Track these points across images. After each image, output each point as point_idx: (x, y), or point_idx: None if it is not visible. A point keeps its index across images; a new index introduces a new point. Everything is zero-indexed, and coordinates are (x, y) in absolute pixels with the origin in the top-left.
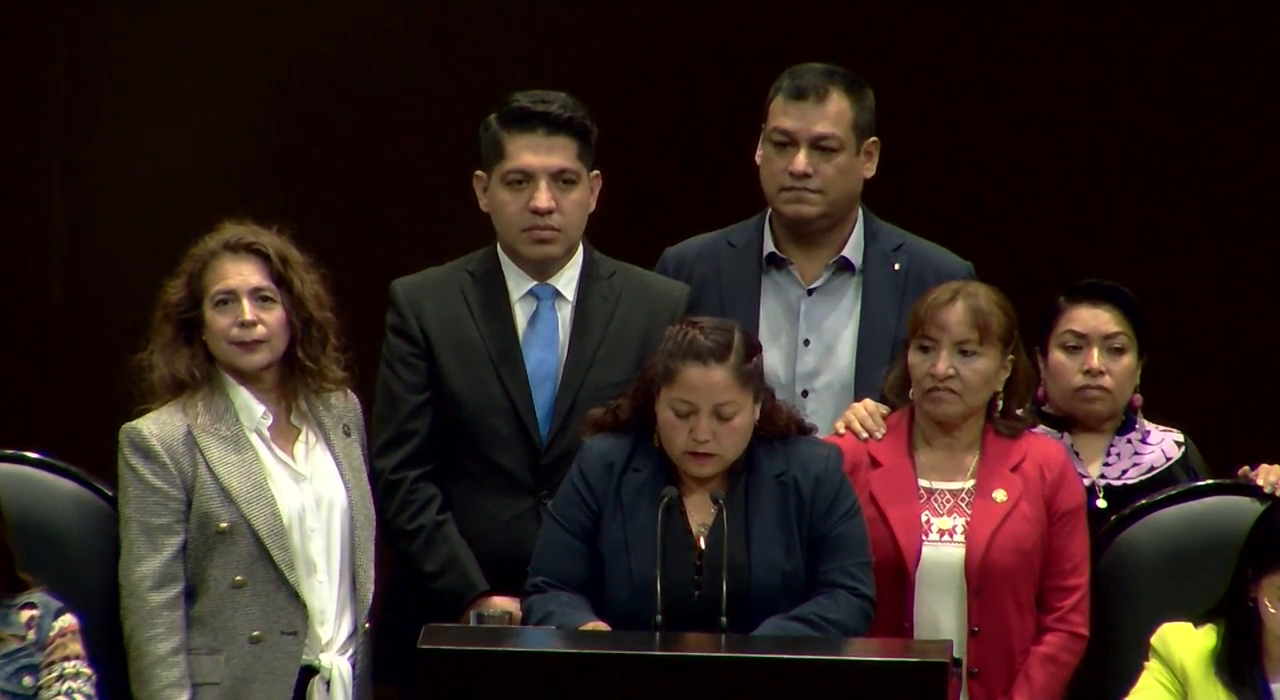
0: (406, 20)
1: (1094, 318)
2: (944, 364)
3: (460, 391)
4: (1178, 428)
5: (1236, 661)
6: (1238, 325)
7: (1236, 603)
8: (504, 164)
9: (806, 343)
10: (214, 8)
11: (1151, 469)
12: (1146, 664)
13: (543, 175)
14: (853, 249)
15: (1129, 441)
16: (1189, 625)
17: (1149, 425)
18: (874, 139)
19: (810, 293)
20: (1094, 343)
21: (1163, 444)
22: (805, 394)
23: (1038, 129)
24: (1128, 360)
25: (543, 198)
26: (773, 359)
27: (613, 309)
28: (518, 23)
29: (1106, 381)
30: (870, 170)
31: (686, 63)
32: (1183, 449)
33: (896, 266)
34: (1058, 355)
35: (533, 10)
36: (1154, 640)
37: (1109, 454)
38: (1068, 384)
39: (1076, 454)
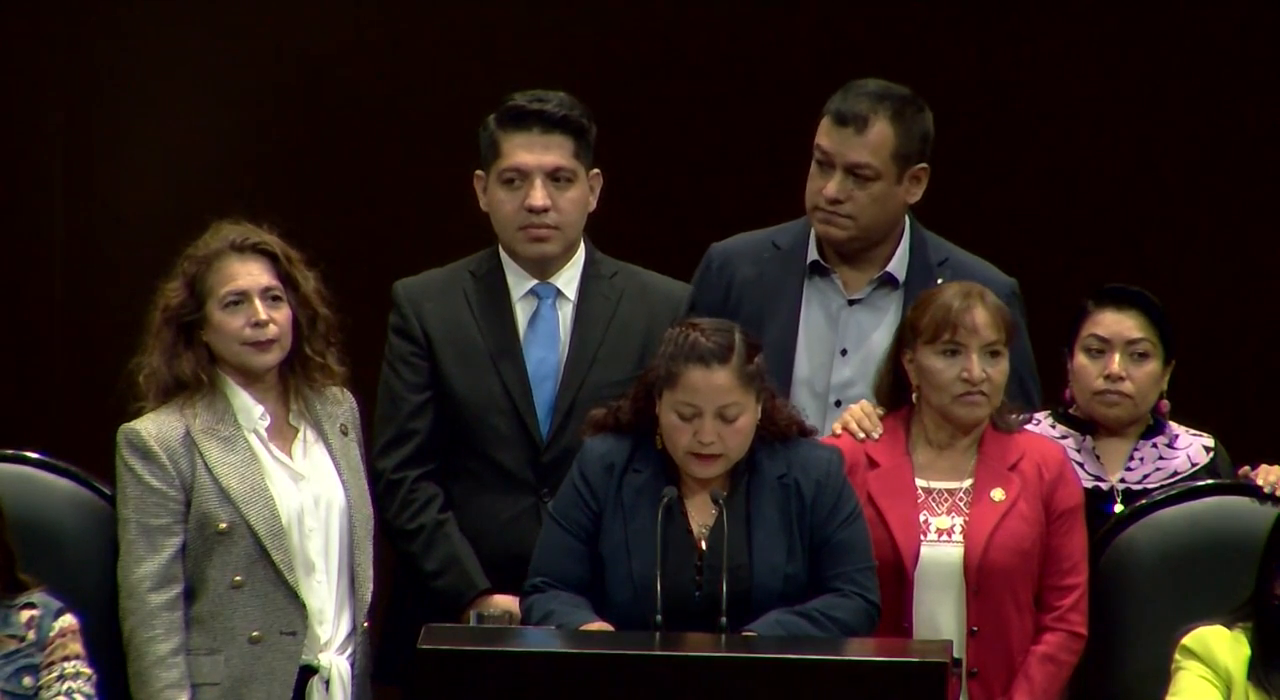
0: (408, 20)
1: (1118, 323)
2: (978, 367)
3: (461, 390)
4: (1208, 431)
5: (1264, 662)
6: (1261, 327)
7: (1261, 602)
8: (500, 163)
9: (844, 352)
10: (214, 8)
11: (1175, 474)
12: (1183, 663)
13: (537, 174)
14: (898, 264)
15: (1154, 446)
16: (1223, 629)
17: (1178, 429)
18: (922, 165)
19: (851, 303)
20: (1116, 348)
21: (1190, 449)
22: (839, 403)
23: (1057, 131)
24: (1150, 367)
25: (537, 196)
26: (809, 366)
27: (614, 308)
28: (520, 22)
29: (1126, 387)
30: (915, 196)
31: (702, 62)
32: (1211, 454)
33: (940, 281)
34: (1081, 358)
35: (536, 8)
36: (1190, 642)
37: (1132, 458)
38: (1089, 387)
39: (1098, 458)
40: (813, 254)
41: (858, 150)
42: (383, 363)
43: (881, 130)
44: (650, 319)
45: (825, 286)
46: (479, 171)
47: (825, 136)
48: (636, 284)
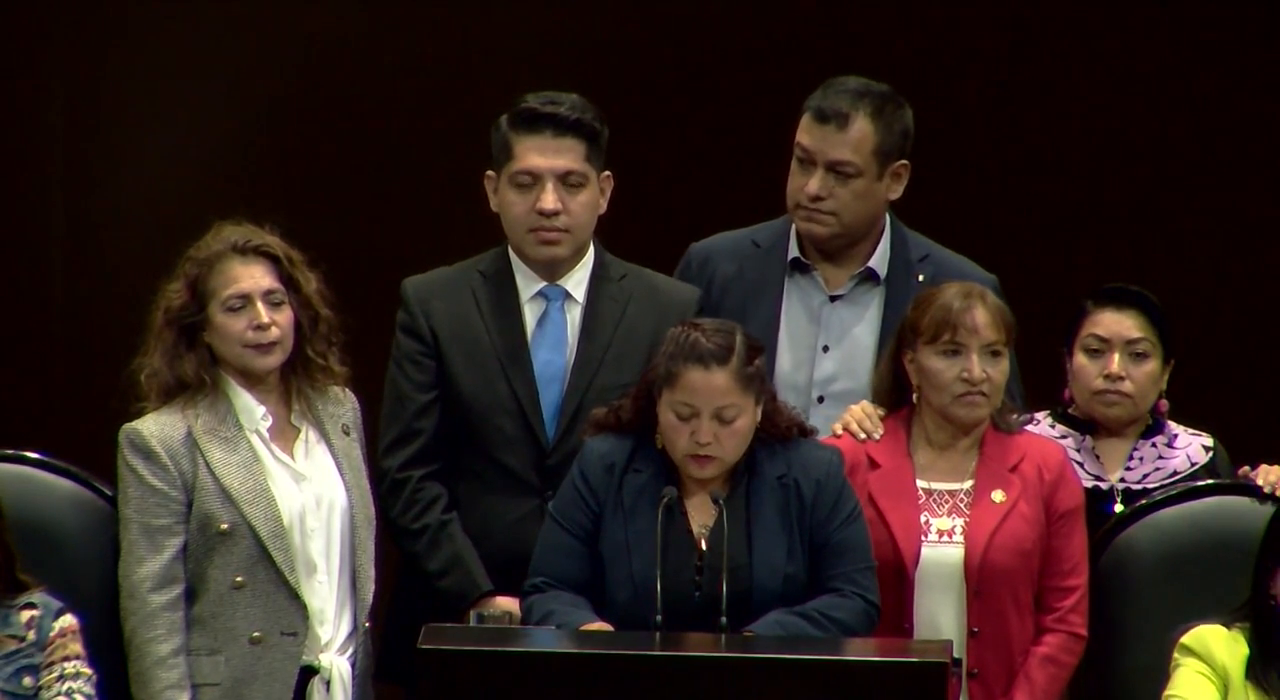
0: (412, 19)
1: (1117, 323)
2: (979, 368)
3: (467, 391)
4: (1207, 431)
5: (1262, 660)
6: (1261, 327)
7: (1258, 601)
8: (511, 165)
9: (825, 349)
10: (217, 7)
11: (1175, 474)
12: (1180, 660)
13: (549, 177)
14: (879, 260)
15: (1154, 446)
16: (1221, 628)
17: (1177, 428)
18: (903, 162)
19: (833, 300)
20: (1116, 347)
21: (1189, 448)
22: (821, 399)
23: (1054, 130)
24: (1150, 366)
25: (549, 199)
26: (790, 362)
27: (622, 311)
28: (525, 21)
29: (1126, 387)
30: (896, 193)
31: (707, 63)
32: (1210, 454)
33: (921, 277)
34: (1080, 358)
35: (539, 7)
36: (1189, 641)
37: (1132, 458)
38: (1088, 387)
39: (1098, 457)
40: (793, 251)
41: (839, 147)
42: (390, 361)
43: (862, 127)
44: (658, 322)
45: (806, 283)
46: (490, 172)
47: (806, 134)
48: (645, 287)
